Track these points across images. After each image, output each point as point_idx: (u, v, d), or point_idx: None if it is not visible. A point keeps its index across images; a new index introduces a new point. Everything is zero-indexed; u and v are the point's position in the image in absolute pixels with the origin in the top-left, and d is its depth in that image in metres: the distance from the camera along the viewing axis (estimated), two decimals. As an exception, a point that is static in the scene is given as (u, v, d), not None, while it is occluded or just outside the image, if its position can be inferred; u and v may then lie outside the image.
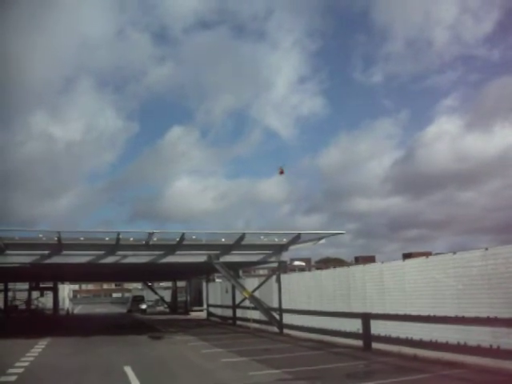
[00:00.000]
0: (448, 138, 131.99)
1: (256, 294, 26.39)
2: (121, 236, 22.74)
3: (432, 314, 13.39)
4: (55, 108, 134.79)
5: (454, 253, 13.18)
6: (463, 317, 12.23)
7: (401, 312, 14.80)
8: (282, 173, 30.33)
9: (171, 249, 24.60)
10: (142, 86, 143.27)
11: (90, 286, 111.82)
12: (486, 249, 12.00)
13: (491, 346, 11.39)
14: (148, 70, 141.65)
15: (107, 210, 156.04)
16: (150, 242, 23.78)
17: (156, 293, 58.19)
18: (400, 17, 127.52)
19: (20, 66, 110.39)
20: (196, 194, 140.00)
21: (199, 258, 25.28)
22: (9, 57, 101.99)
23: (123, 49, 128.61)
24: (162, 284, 66.85)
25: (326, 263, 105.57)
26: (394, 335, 15.12)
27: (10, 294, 46.18)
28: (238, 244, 24.66)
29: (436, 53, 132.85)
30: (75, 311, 61.19)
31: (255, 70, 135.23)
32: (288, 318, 23.44)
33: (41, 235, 23.21)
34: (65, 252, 23.25)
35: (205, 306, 41.88)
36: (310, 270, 79.63)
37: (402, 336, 14.67)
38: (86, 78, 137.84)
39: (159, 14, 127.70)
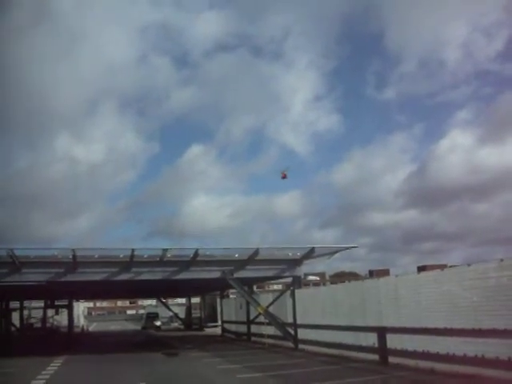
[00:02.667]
0: (461, 150, 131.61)
1: (270, 309, 26.29)
2: (135, 253, 22.84)
3: (448, 327, 13.27)
4: (78, 130, 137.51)
5: (469, 265, 13.11)
6: (480, 329, 12.11)
7: (417, 325, 14.68)
8: (284, 177, 28.58)
9: (185, 265, 24.64)
10: (163, 108, 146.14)
11: (105, 304, 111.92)
12: (502, 260, 11.92)
13: (510, 358, 11.23)
14: (169, 92, 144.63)
15: (126, 228, 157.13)
16: (164, 259, 23.87)
17: (170, 309, 58.17)
18: (413, 39, 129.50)
19: (46, 90, 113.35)
20: (213, 210, 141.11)
21: (213, 274, 25.29)
22: (35, 80, 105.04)
23: (145, 72, 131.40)
24: (177, 301, 66.76)
25: (341, 277, 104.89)
26: (410, 349, 14.98)
27: (25, 312, 46.35)
28: (252, 259, 24.64)
29: (449, 70, 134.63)
30: (90, 328, 61.28)
31: (272, 90, 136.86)
32: (303, 333, 23.32)
33: (56, 253, 23.39)
34: (80, 270, 23.38)
35: (219, 322, 41.75)
36: (324, 285, 79.37)
37: (419, 349, 14.52)
38: (108, 101, 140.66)
39: (180, 39, 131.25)
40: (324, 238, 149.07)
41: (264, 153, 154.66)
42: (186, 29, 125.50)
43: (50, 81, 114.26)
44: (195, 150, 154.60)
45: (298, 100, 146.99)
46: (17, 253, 21.74)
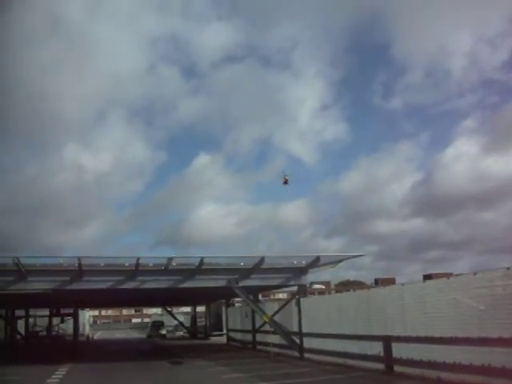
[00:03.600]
0: (467, 159, 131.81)
1: (276, 318, 26.22)
2: (140, 261, 22.85)
3: (454, 336, 13.20)
4: (86, 139, 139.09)
5: (475, 273, 13.05)
6: (486, 338, 12.03)
7: (422, 334, 14.61)
8: (286, 182, 27.29)
9: (191, 274, 24.60)
10: (171, 117, 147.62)
11: (110, 312, 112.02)
12: (508, 268, 11.86)
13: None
14: (177, 102, 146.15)
15: (133, 237, 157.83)
16: (170, 267, 23.86)
17: (175, 318, 58.05)
18: (419, 49, 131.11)
19: (55, 99, 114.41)
20: (219, 219, 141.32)
21: (219, 282, 25.20)
22: (44, 89, 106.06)
23: (154, 82, 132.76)
24: (182, 309, 66.67)
25: (346, 286, 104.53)
26: (416, 358, 14.89)
27: (30, 320, 46.44)
28: (258, 268, 24.57)
29: (454, 79, 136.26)
30: (95, 337, 61.27)
31: (279, 99, 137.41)
32: (308, 342, 23.23)
33: (62, 262, 23.45)
34: (85, 278, 23.37)
35: (224, 331, 41.64)
36: (329, 293, 79.07)
37: (425, 358, 14.43)
38: (117, 110, 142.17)
39: (188, 50, 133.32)
40: (330, 246, 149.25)
41: (271, 162, 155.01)
42: (194, 39, 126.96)
43: (59, 90, 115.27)
44: (202, 159, 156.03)
45: (306, 109, 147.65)
46: (23, 261, 21.76)
